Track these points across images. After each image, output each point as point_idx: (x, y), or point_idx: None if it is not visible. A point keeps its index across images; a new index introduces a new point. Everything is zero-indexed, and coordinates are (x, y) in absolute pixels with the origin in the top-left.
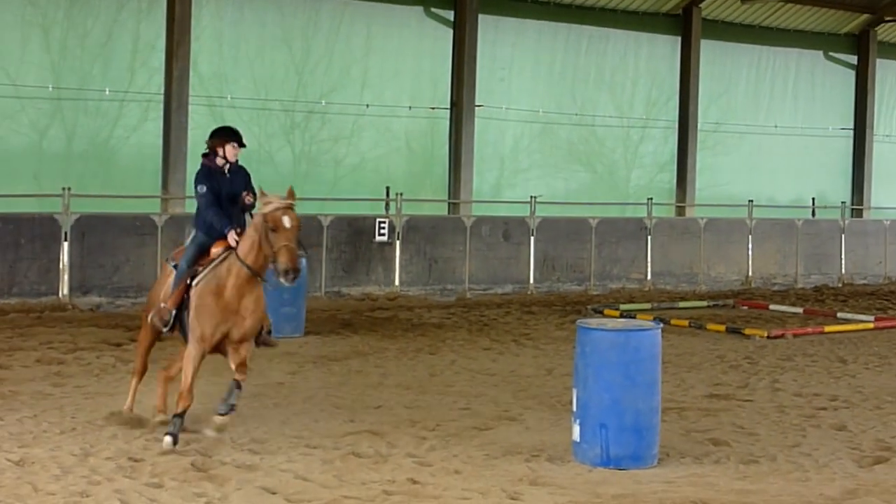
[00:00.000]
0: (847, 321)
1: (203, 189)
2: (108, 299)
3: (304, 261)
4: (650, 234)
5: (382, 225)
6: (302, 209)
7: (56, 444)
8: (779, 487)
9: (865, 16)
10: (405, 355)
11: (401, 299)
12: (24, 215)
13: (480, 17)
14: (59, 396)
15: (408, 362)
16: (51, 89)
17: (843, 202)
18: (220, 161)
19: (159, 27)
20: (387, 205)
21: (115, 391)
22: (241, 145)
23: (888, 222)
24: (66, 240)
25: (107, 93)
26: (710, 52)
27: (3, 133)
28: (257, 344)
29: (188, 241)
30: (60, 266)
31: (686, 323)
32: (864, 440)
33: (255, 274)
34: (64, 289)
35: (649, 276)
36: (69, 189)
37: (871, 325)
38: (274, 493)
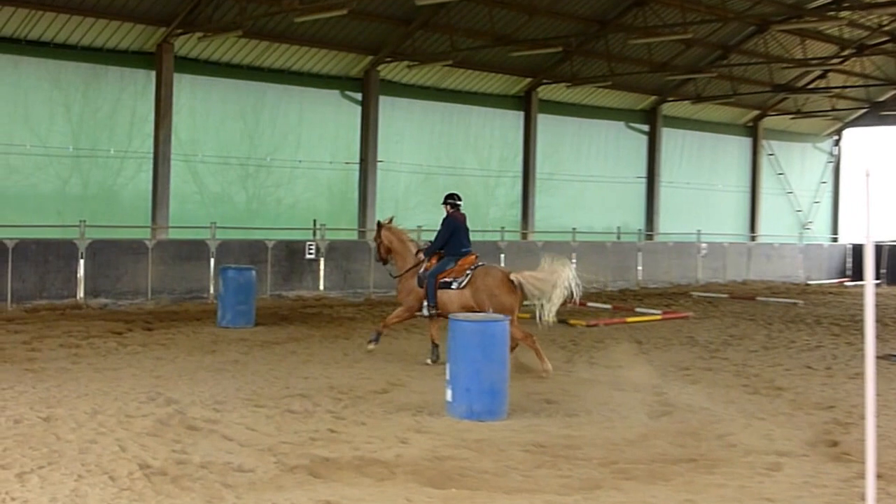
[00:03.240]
0: (642, 314)
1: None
2: (113, 300)
3: (253, 272)
4: (503, 253)
5: (311, 247)
6: (253, 236)
7: (73, 405)
8: (593, 433)
9: (654, 97)
10: (327, 340)
11: (324, 300)
12: (51, 240)
13: (381, 97)
14: (76, 371)
15: (328, 345)
16: (71, 149)
17: (639, 229)
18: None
19: (150, 105)
20: (314, 232)
21: (117, 367)
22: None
23: (671, 244)
24: (82, 258)
25: (112, 152)
26: (545, 123)
27: (35, 181)
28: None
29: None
30: (78, 276)
31: (528, 316)
32: (655, 398)
33: None
34: (80, 293)
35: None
36: (84, 221)
37: (660, 317)
38: (231, 440)
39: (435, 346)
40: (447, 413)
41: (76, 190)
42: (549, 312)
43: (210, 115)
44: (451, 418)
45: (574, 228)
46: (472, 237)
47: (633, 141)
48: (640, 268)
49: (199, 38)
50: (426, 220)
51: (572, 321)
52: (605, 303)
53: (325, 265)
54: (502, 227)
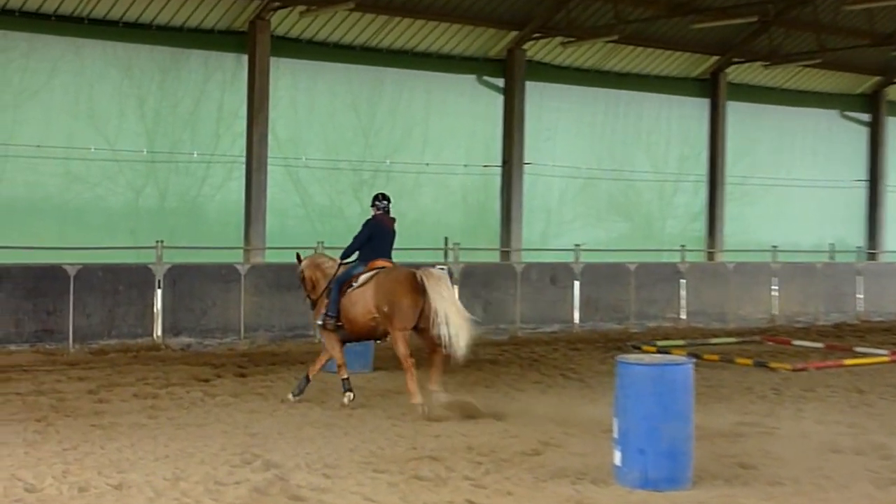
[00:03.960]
0: (864, 355)
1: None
2: (197, 340)
3: None
4: (684, 278)
5: (441, 271)
6: None
7: (150, 470)
8: None
9: (877, 78)
10: (463, 388)
11: None
12: (122, 266)
13: (528, 83)
14: (153, 427)
15: (465, 395)
16: (145, 153)
17: (858, 247)
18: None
19: (241, 97)
20: (445, 253)
21: (203, 422)
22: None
23: None
24: (159, 287)
25: (195, 155)
26: (736, 113)
27: (103, 192)
28: None
29: None
30: (154, 310)
31: (717, 357)
32: (881, 464)
33: None
34: (157, 330)
35: (683, 316)
36: (162, 242)
37: (887, 359)
38: None
39: (307, 379)
40: (615, 481)
41: (151, 203)
42: (457, 339)
43: (315, 108)
44: (621, 487)
45: (774, 246)
46: (644, 256)
47: (849, 134)
48: (859, 296)
49: (301, 13)
50: (587, 238)
51: (773, 364)
52: (814, 341)
53: (460, 294)
54: (682, 246)
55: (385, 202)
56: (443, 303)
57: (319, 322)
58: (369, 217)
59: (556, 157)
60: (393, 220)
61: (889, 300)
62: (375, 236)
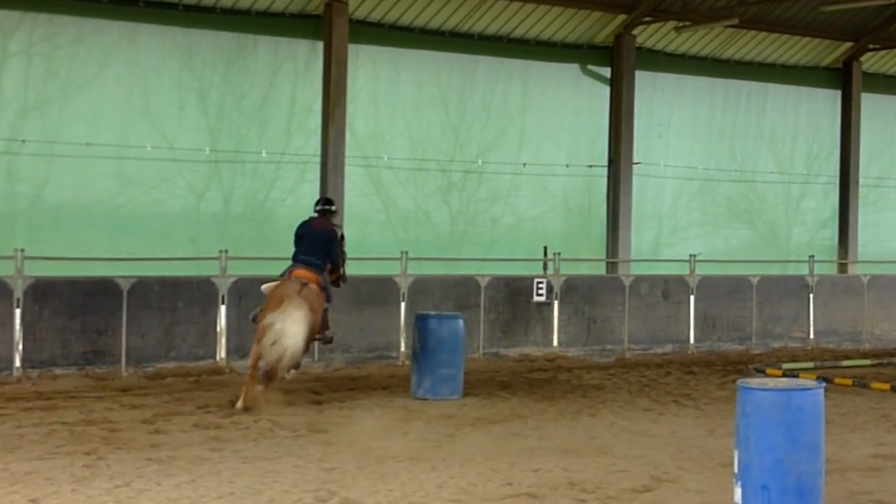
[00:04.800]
0: None
1: None
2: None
3: (461, 321)
4: (812, 292)
5: (540, 285)
6: (459, 269)
7: None
8: None
9: None
10: (564, 417)
11: (559, 360)
12: (182, 279)
13: (637, 73)
14: (217, 461)
15: (567, 424)
16: (208, 152)
17: None
18: None
19: (316, 89)
20: (545, 264)
21: (272, 455)
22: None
23: None
24: (223, 303)
25: (263, 155)
26: (872, 106)
27: (160, 196)
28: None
29: None
30: (217, 329)
31: (850, 382)
32: None
33: None
34: (221, 352)
35: (812, 335)
36: (226, 252)
37: None
38: None
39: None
40: None
41: (215, 208)
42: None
43: (399, 101)
44: None
45: None
46: (767, 268)
47: None
48: None
49: None
50: (703, 247)
51: None
52: None
53: (561, 311)
54: (811, 256)
55: (323, 206)
56: (282, 321)
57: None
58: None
59: (669, 156)
60: (326, 223)
61: None
62: (302, 239)
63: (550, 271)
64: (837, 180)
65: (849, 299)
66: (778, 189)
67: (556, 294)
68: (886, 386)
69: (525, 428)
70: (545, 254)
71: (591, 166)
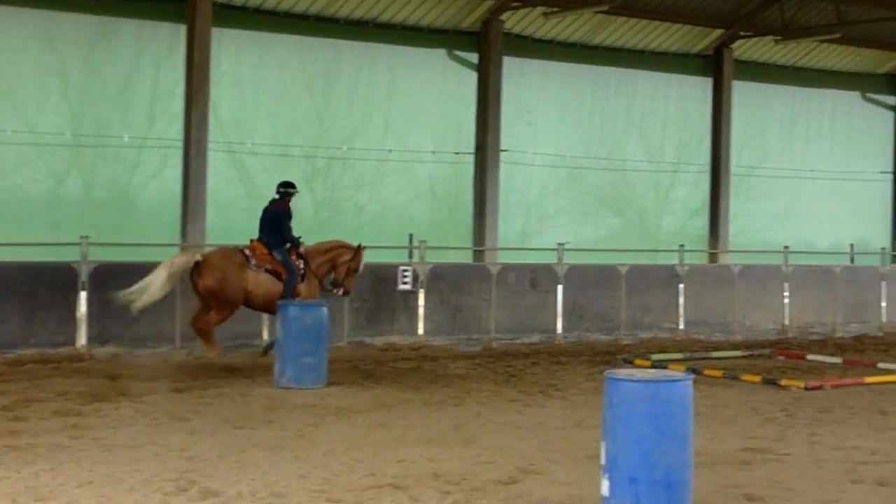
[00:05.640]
0: (888, 372)
1: None
2: (126, 349)
3: (325, 309)
4: (682, 282)
5: (406, 273)
6: None
7: (72, 497)
8: None
9: None
10: (429, 407)
11: (425, 349)
12: (42, 264)
13: (505, 59)
14: (77, 449)
15: (432, 414)
16: (69, 136)
17: (883, 248)
18: None
19: (179, 73)
20: (410, 252)
21: (133, 443)
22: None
23: None
24: (83, 289)
25: (126, 139)
26: (743, 94)
27: (20, 181)
28: None
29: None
30: (78, 316)
31: (720, 374)
32: None
33: None
34: (82, 339)
35: (682, 326)
36: (87, 238)
37: None
38: None
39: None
40: None
41: (76, 193)
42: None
43: (263, 86)
44: None
45: (786, 247)
46: (637, 257)
47: (873, 119)
48: (883, 304)
49: None
50: (572, 236)
51: (785, 381)
52: (832, 355)
53: (427, 299)
54: (681, 246)
55: (285, 189)
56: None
57: None
58: None
59: (537, 143)
60: (282, 204)
61: None
62: (261, 222)
63: (416, 259)
64: (709, 169)
65: (719, 289)
66: (648, 177)
67: (422, 282)
68: (757, 378)
69: (389, 418)
70: (411, 242)
71: (458, 153)
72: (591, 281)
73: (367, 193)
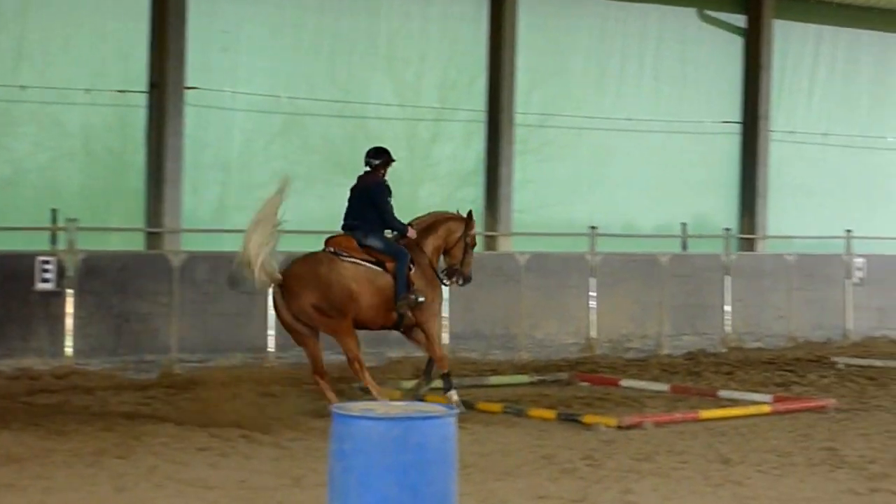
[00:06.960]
0: (733, 403)
1: None
2: None
3: None
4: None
5: (47, 266)
6: None
7: None
8: None
9: None
10: (80, 460)
11: (75, 377)
12: None
13: None
14: None
15: (84, 471)
16: None
17: (727, 228)
18: None
19: None
20: (54, 235)
21: None
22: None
23: (792, 258)
24: None
25: None
26: (533, 14)
27: None
28: None
29: None
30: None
31: (499, 408)
32: None
33: None
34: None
35: (446, 340)
36: None
37: (768, 409)
38: None
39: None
40: None
41: None
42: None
43: None
44: None
45: (593, 227)
46: None
47: (715, 47)
48: (727, 307)
49: None
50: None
51: (589, 418)
52: (655, 380)
53: (79, 305)
54: None
55: (372, 159)
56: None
57: None
58: None
59: (238, 79)
60: (370, 177)
61: (772, 314)
62: (349, 202)
63: (63, 246)
64: (485, 118)
65: (499, 288)
66: (399, 128)
67: (72, 279)
68: (551, 413)
69: (22, 477)
70: (54, 220)
71: (122, 91)
72: None
73: None
